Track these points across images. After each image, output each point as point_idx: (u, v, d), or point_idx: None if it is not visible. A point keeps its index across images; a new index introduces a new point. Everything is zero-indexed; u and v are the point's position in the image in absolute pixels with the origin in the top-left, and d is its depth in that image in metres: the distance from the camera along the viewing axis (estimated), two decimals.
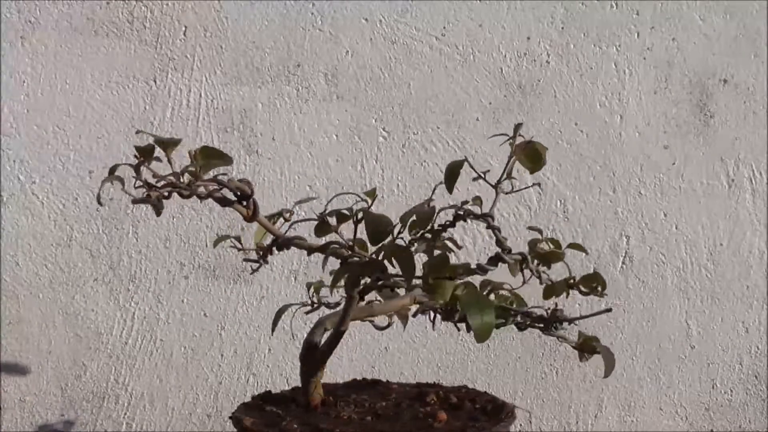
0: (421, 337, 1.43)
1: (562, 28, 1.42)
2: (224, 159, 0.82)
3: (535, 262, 0.87)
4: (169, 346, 1.41)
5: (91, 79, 1.38)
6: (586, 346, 0.89)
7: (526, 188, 0.97)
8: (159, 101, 1.38)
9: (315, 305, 0.99)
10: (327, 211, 0.88)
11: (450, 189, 0.86)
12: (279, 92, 1.40)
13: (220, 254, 1.40)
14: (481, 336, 0.78)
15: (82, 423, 1.40)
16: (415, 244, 0.85)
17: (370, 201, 0.87)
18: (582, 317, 0.86)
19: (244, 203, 0.84)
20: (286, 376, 1.41)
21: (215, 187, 0.81)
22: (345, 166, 1.41)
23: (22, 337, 1.39)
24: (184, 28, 1.38)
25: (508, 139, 0.87)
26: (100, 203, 0.77)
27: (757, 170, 1.45)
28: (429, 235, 0.85)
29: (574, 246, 0.92)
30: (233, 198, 0.83)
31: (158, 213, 0.78)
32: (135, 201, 0.76)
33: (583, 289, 0.90)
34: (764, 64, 1.44)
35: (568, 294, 0.90)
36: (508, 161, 0.86)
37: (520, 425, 1.45)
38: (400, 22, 1.41)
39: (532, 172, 0.87)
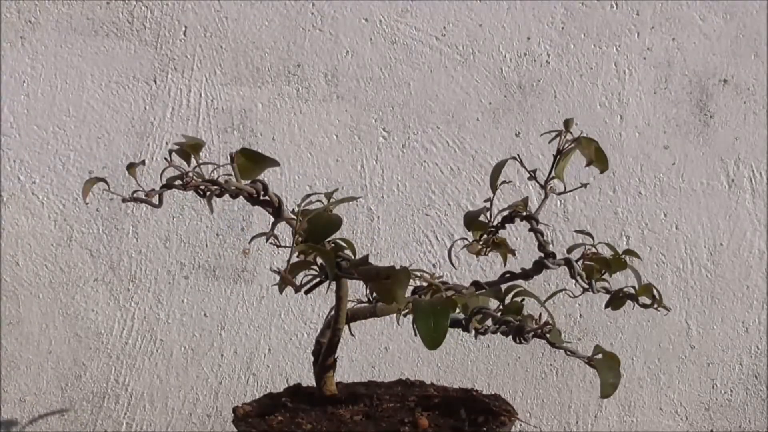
0: None
1: (562, 28, 1.42)
2: (268, 162, 0.80)
3: (601, 270, 0.83)
4: (169, 346, 1.41)
5: (91, 79, 1.38)
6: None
7: (576, 189, 0.93)
8: (159, 101, 1.38)
9: (370, 302, 0.99)
10: (296, 212, 0.87)
11: (493, 188, 0.85)
12: (279, 92, 1.40)
13: (220, 254, 1.40)
14: (431, 343, 0.74)
15: (82, 423, 1.40)
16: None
17: (326, 201, 0.85)
18: (533, 329, 0.80)
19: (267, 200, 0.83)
20: (286, 376, 1.41)
21: (215, 187, 0.81)
22: (345, 166, 1.41)
23: (22, 337, 1.39)
24: (184, 28, 1.38)
25: (556, 136, 0.85)
26: (85, 203, 0.77)
27: (757, 170, 1.45)
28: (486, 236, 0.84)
29: (629, 252, 0.87)
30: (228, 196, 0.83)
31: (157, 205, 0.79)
32: (125, 200, 0.76)
33: (644, 301, 0.85)
34: (764, 64, 1.44)
35: (633, 306, 0.86)
36: (555, 159, 0.84)
37: (521, 425, 1.45)
38: (400, 22, 1.41)
39: (602, 172, 0.84)
